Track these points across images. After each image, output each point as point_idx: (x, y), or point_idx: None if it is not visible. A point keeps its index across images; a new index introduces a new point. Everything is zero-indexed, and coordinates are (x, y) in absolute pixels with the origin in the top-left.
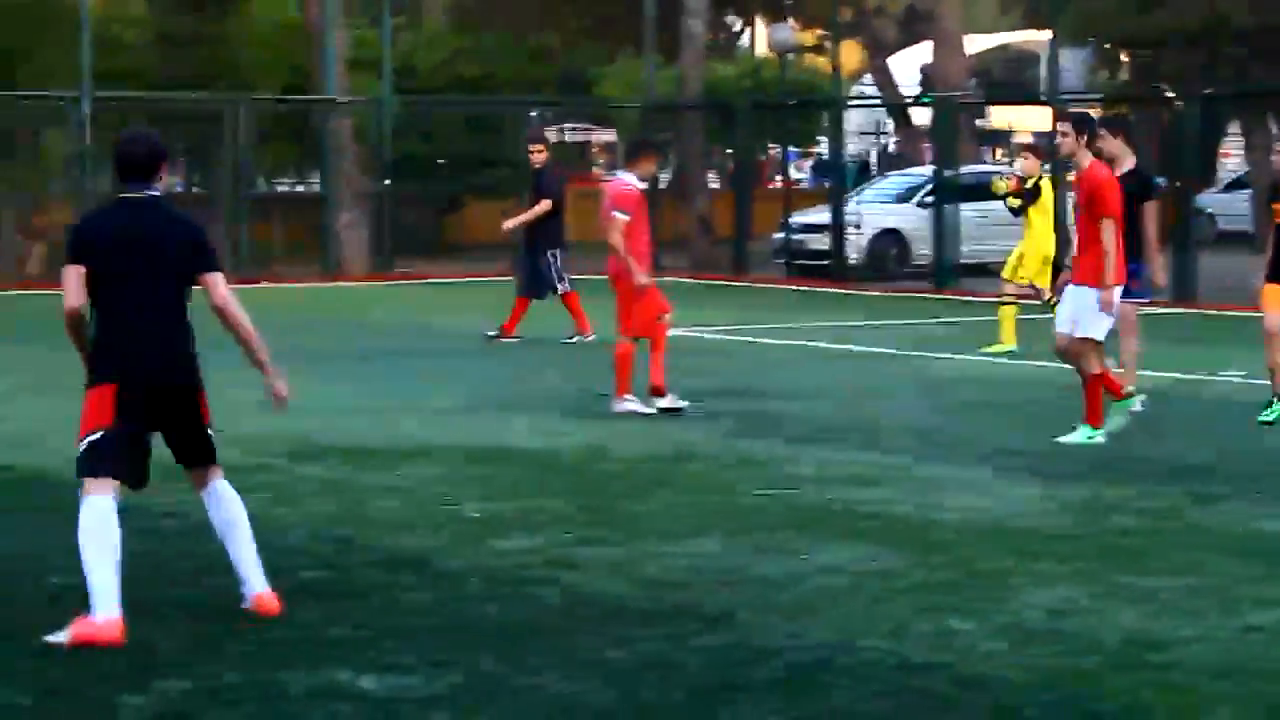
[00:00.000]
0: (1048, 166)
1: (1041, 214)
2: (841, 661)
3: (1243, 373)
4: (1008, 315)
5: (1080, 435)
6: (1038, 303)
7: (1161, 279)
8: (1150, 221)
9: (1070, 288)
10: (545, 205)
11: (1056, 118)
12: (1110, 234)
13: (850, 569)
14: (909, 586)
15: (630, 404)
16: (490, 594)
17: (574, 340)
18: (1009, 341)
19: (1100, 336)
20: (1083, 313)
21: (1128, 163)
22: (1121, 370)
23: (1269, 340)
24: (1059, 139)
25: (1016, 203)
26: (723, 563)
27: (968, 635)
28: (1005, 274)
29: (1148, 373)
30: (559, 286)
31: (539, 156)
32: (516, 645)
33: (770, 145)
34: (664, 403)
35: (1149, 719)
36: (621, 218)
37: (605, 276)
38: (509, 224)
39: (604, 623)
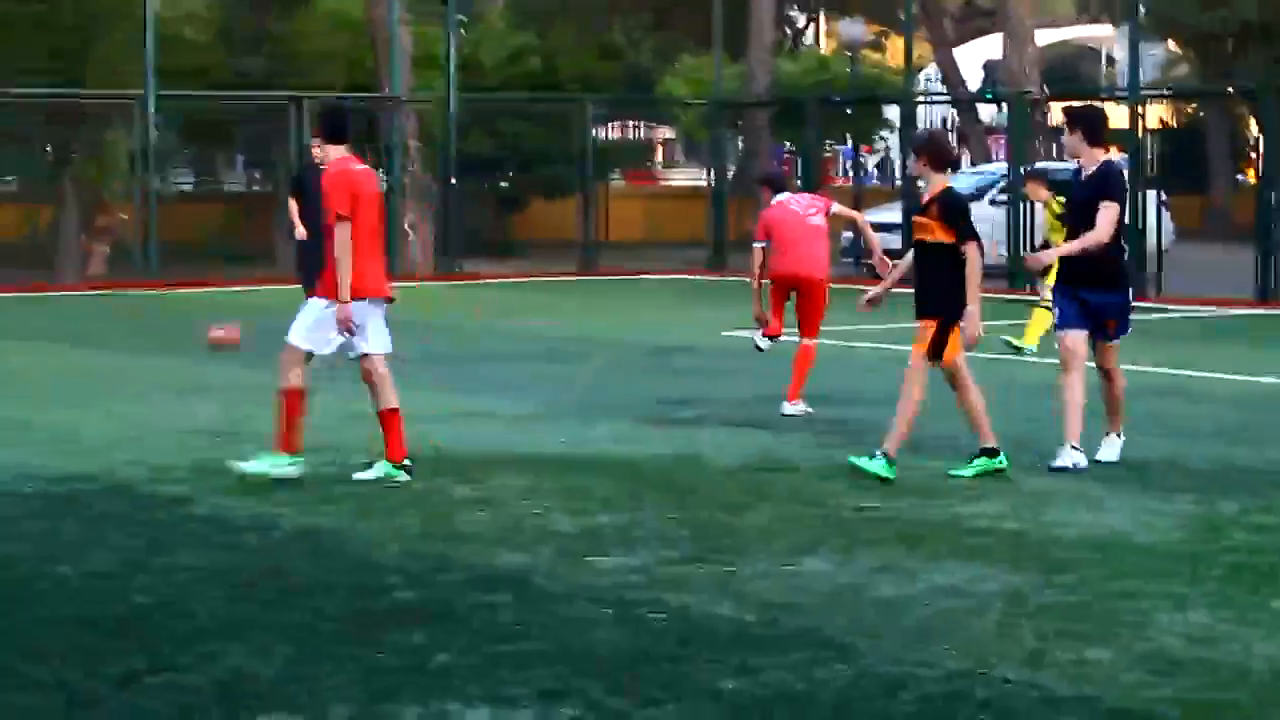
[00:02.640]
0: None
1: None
2: (979, 694)
3: None
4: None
5: (264, 464)
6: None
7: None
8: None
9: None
10: None
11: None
12: (340, 241)
13: (971, 590)
14: (1037, 609)
15: (802, 407)
16: (596, 617)
17: None
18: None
19: (308, 347)
20: (303, 322)
21: (1090, 161)
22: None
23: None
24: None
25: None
26: (836, 583)
27: (1108, 664)
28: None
29: (1238, 376)
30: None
31: (321, 152)
32: (630, 674)
33: (831, 143)
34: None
35: None
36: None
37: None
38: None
39: (720, 649)
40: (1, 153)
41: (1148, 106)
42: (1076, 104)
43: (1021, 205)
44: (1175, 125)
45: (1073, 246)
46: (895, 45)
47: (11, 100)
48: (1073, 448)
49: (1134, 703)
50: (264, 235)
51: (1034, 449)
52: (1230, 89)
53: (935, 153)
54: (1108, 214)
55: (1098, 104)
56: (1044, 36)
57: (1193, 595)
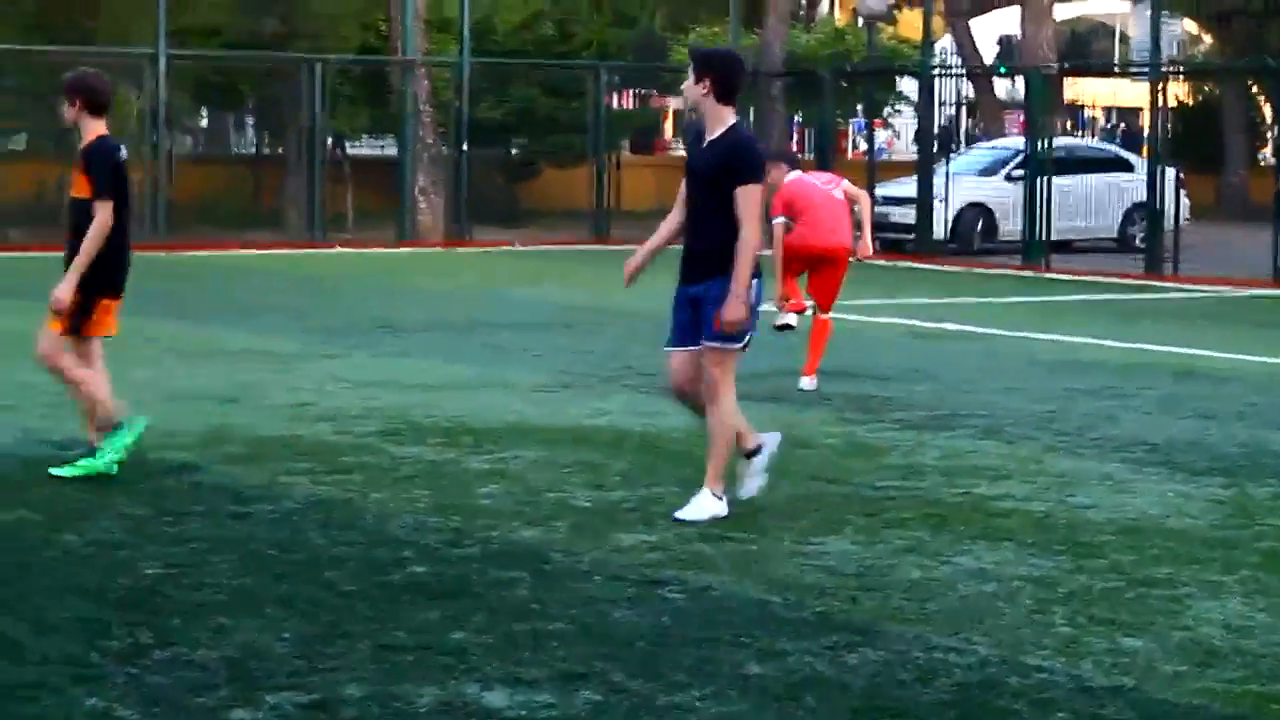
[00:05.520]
0: None
1: None
2: (1014, 684)
3: None
4: None
5: None
6: None
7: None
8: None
9: None
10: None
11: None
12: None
13: (1000, 574)
14: (1068, 595)
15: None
16: (617, 596)
17: None
18: None
19: None
20: None
21: (717, 123)
22: None
23: None
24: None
25: None
26: (861, 564)
27: (1145, 654)
28: None
29: (1258, 358)
30: None
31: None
32: (653, 657)
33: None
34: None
35: None
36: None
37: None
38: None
39: (745, 631)
40: (12, 111)
41: (1166, 84)
42: (708, 48)
43: (1039, 181)
44: (1191, 103)
45: (739, 268)
46: (908, 17)
47: (21, 58)
48: (713, 495)
49: (1174, 694)
50: (273, 198)
51: (1054, 428)
52: (1250, 66)
53: (89, 95)
54: (752, 201)
55: (732, 51)
56: (1058, 12)
57: (1228, 583)
